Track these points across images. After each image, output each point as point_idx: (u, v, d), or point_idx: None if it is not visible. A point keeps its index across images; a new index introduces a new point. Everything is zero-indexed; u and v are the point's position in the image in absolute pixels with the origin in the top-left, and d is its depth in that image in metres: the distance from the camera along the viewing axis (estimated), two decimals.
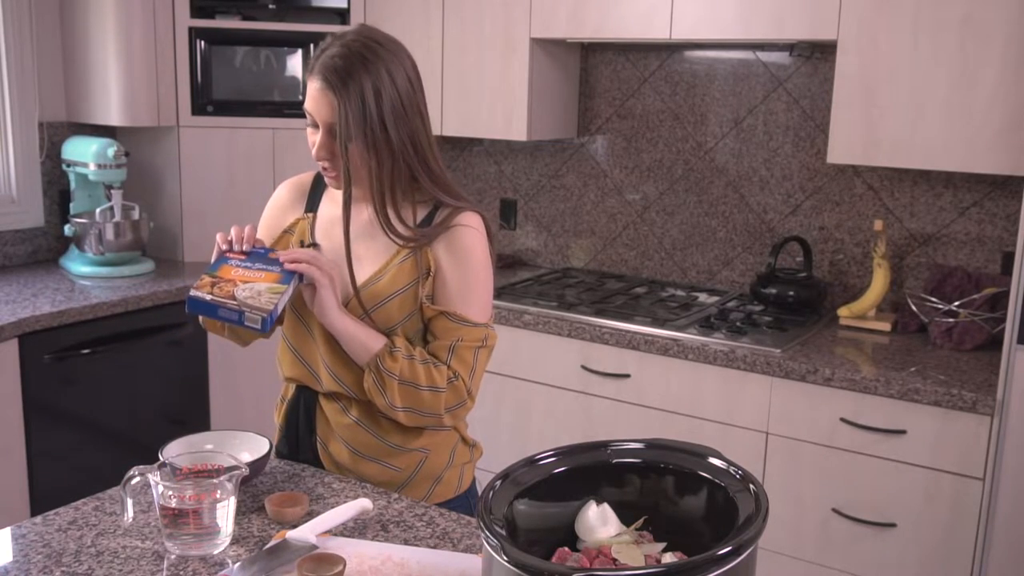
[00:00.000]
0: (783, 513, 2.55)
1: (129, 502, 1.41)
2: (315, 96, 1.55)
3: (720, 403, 2.63)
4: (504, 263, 3.57)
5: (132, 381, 2.97)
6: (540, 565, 0.97)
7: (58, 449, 2.78)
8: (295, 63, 3.43)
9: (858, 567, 2.48)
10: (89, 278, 3.15)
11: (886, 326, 2.80)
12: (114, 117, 3.26)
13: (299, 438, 1.73)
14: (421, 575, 1.34)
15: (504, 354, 2.95)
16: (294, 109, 3.41)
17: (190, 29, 3.30)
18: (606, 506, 1.15)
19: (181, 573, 1.34)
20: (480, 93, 3.22)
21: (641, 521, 1.16)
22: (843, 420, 2.45)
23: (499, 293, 3.03)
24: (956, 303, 2.67)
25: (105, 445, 2.92)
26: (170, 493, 1.37)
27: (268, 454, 1.61)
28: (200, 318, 1.63)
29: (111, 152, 3.14)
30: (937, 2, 2.43)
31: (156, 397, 3.06)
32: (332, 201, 1.71)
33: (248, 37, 3.39)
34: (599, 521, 1.14)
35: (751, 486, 1.09)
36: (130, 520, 1.44)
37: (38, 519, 1.48)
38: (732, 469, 1.13)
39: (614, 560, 1.07)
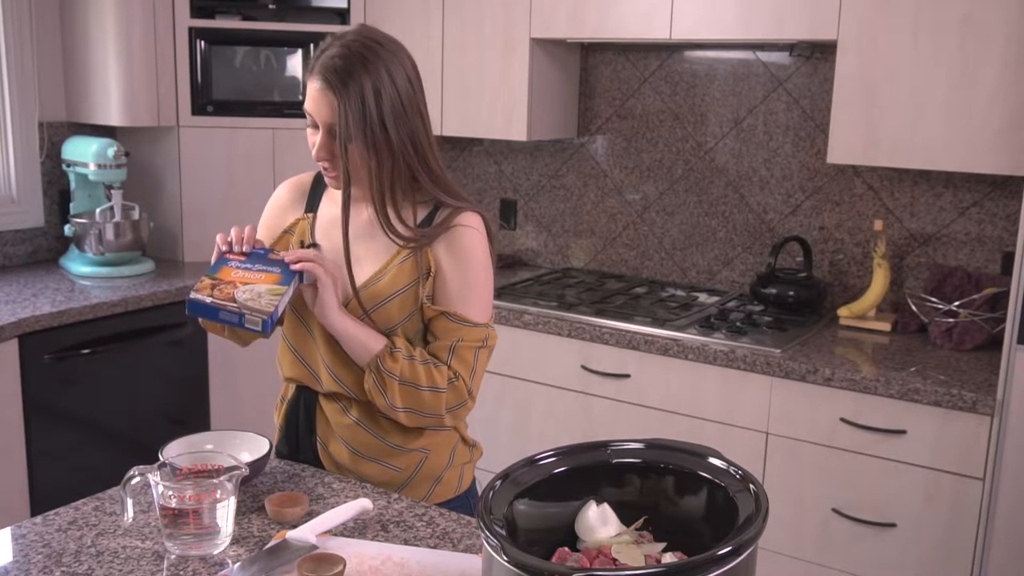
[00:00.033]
0: (783, 513, 2.55)
1: (129, 502, 1.41)
2: (315, 96, 1.55)
3: (720, 403, 2.63)
4: (504, 263, 3.57)
5: (132, 381, 2.97)
6: (540, 565, 0.97)
7: (58, 449, 2.78)
8: (295, 63, 3.44)
9: (858, 567, 2.48)
10: (89, 278, 3.15)
11: (886, 326, 2.80)
12: (114, 117, 3.26)
13: (299, 438, 1.73)
14: (421, 575, 1.34)
15: (504, 354, 2.95)
16: (294, 109, 3.41)
17: (190, 29, 3.30)
18: (606, 506, 1.15)
19: (181, 573, 1.34)
20: (480, 93, 3.22)
21: (641, 521, 1.16)
22: (843, 420, 2.45)
23: (499, 293, 3.03)
24: (956, 303, 2.67)
25: (105, 445, 2.92)
26: (170, 493, 1.37)
27: (268, 454, 1.61)
28: (200, 319, 1.63)
29: (111, 152, 3.14)
30: (937, 2, 2.43)
31: (156, 397, 3.06)
32: (332, 201, 1.71)
33: (248, 37, 3.39)
34: (599, 521, 1.14)
35: (751, 486, 1.09)
36: (130, 520, 1.44)
37: (38, 519, 1.48)
38: (732, 469, 1.13)
39: (614, 560, 1.07)
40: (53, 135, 3.36)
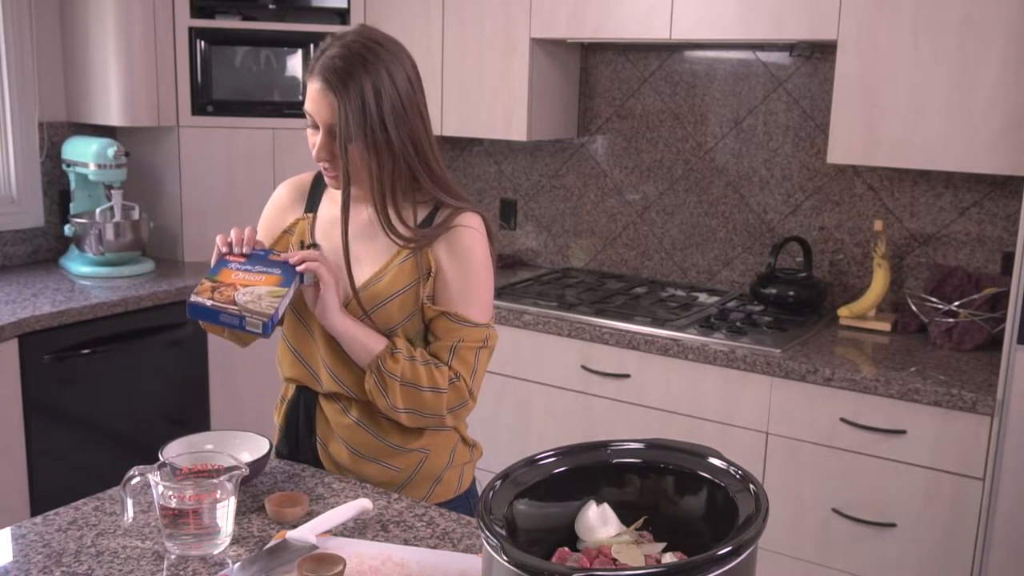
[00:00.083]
0: (783, 513, 2.55)
1: (129, 502, 1.41)
2: (315, 97, 1.55)
3: (720, 403, 2.63)
4: (504, 263, 3.57)
5: (132, 381, 2.97)
6: (540, 565, 0.97)
7: (58, 449, 2.78)
8: (295, 63, 3.44)
9: (858, 567, 2.48)
10: (89, 278, 3.15)
11: (886, 326, 2.80)
12: (114, 117, 3.27)
13: (299, 438, 1.73)
14: (421, 575, 1.34)
15: (504, 354, 2.95)
16: (294, 109, 3.41)
17: (190, 29, 3.30)
18: (606, 506, 1.15)
19: (181, 573, 1.34)
20: (480, 93, 3.22)
21: (641, 521, 1.16)
22: (843, 420, 2.45)
23: (499, 293, 3.03)
24: (956, 303, 2.67)
25: (105, 445, 2.92)
26: (170, 493, 1.37)
27: (268, 454, 1.61)
28: (200, 321, 1.63)
29: (111, 152, 3.14)
30: (937, 2, 2.43)
31: (156, 397, 3.06)
32: (332, 201, 1.71)
33: (248, 37, 3.39)
34: (599, 521, 1.14)
35: (751, 486, 1.09)
36: (130, 520, 1.44)
37: (38, 519, 1.48)
38: (732, 469, 1.13)
39: (614, 560, 1.07)
40: (53, 135, 3.36)
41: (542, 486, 1.14)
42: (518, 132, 3.17)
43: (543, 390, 2.94)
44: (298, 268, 1.55)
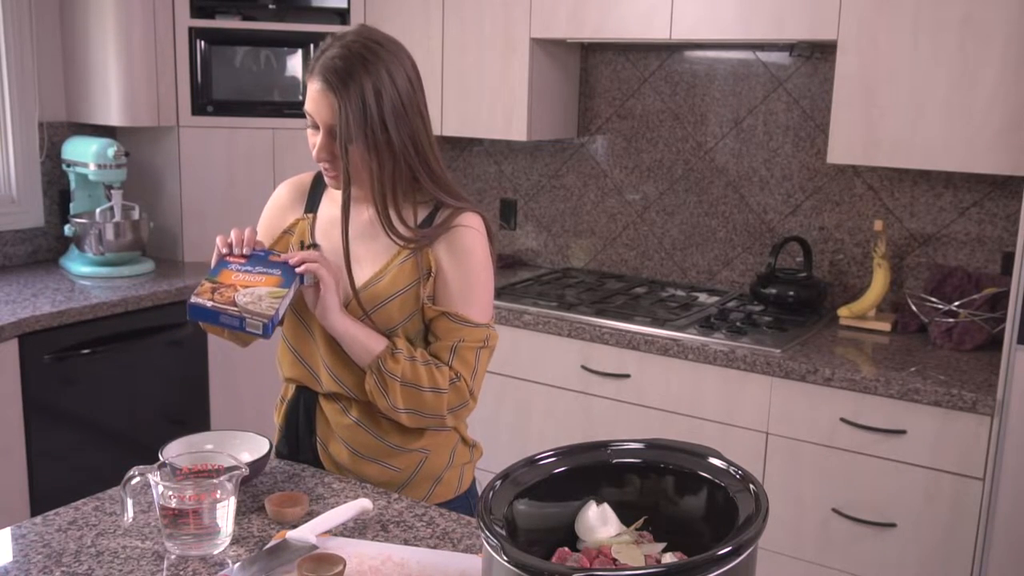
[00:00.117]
0: (783, 513, 2.55)
1: (129, 502, 1.41)
2: (315, 97, 1.55)
3: (720, 403, 2.63)
4: (504, 263, 3.57)
5: (132, 381, 2.97)
6: (540, 565, 0.97)
7: (58, 449, 2.78)
8: (295, 63, 3.44)
9: (858, 567, 2.48)
10: (89, 278, 3.15)
11: (886, 326, 2.80)
12: (114, 117, 3.27)
13: (299, 439, 1.73)
14: (421, 575, 1.34)
15: (504, 354, 2.95)
16: (294, 109, 3.41)
17: (190, 29, 3.30)
18: (606, 506, 1.15)
19: (181, 573, 1.34)
20: (480, 93, 3.22)
21: (641, 521, 1.16)
22: (843, 420, 2.45)
23: (499, 293, 3.03)
24: (956, 303, 2.67)
25: (105, 445, 2.92)
26: (170, 493, 1.37)
27: (268, 454, 1.61)
28: (200, 322, 1.63)
29: (111, 152, 3.14)
30: (937, 2, 2.43)
31: (156, 397, 3.06)
32: (332, 201, 1.71)
33: (248, 37, 3.39)
34: (599, 521, 1.14)
35: (751, 486, 1.09)
36: (130, 520, 1.44)
37: (38, 519, 1.48)
38: (732, 469, 1.13)
39: (614, 560, 1.07)
40: (53, 135, 3.36)
41: (542, 486, 1.14)
42: (518, 132, 3.17)
43: (543, 390, 2.94)
44: (298, 269, 1.55)
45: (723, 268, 3.24)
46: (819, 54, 2.95)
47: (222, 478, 1.37)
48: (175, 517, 1.37)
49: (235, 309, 1.51)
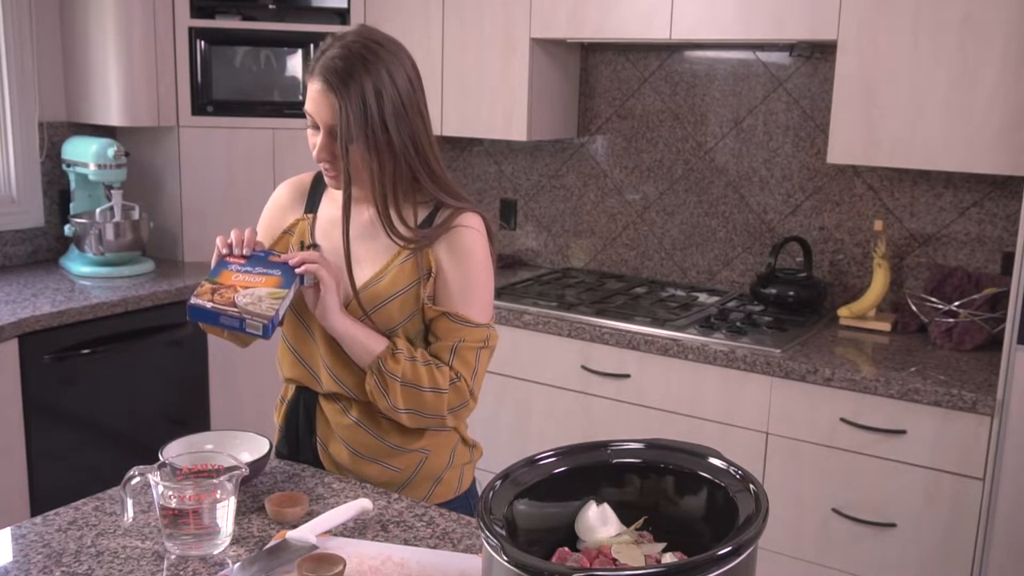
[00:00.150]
0: (783, 513, 2.55)
1: (129, 502, 1.41)
2: (316, 98, 1.55)
3: (720, 403, 2.63)
4: (504, 263, 3.57)
5: (132, 381, 2.97)
6: (540, 565, 0.97)
7: (58, 449, 2.78)
8: (295, 63, 3.44)
9: (858, 567, 2.48)
10: (89, 278, 3.15)
11: (886, 326, 2.80)
12: (114, 117, 3.27)
13: (299, 439, 1.73)
14: (421, 575, 1.34)
15: (504, 354, 2.95)
16: (294, 109, 3.41)
17: (190, 29, 3.30)
18: (606, 506, 1.15)
19: (181, 573, 1.34)
20: (480, 93, 3.22)
21: (641, 521, 1.16)
22: (843, 420, 2.45)
23: (499, 293, 3.03)
24: (956, 303, 2.67)
25: (105, 445, 2.92)
26: (170, 493, 1.37)
27: (268, 454, 1.61)
28: (200, 323, 1.62)
29: (111, 152, 3.14)
30: (937, 2, 2.43)
31: (156, 397, 3.06)
32: (332, 202, 1.71)
33: (248, 37, 3.39)
34: (599, 521, 1.14)
35: (751, 486, 1.09)
36: (130, 520, 1.44)
37: (38, 519, 1.48)
38: (732, 469, 1.13)
39: (614, 560, 1.07)
40: (53, 135, 3.36)
41: (542, 486, 1.14)
42: (518, 132, 3.17)
43: (543, 390, 2.94)
44: (298, 270, 1.55)
45: (723, 268, 3.24)
46: (819, 54, 2.95)
47: (222, 478, 1.37)
48: (175, 517, 1.37)
49: (235, 310, 1.51)
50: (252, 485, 1.60)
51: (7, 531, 1.44)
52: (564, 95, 3.33)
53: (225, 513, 1.39)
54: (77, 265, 3.22)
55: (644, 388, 2.75)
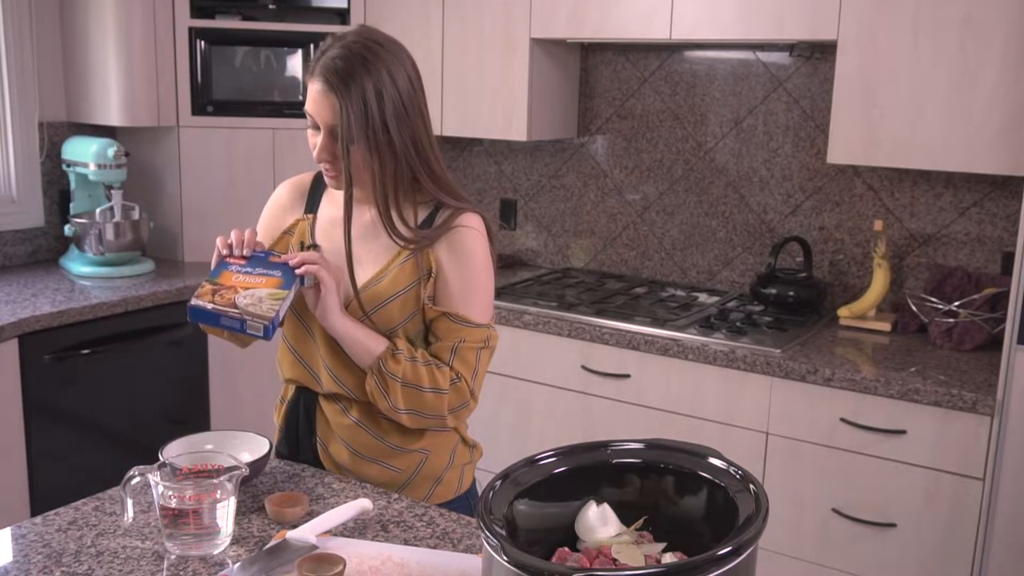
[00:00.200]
0: (783, 513, 2.55)
1: (129, 502, 1.41)
2: (316, 98, 1.55)
3: (720, 403, 2.63)
4: (504, 263, 3.57)
5: (132, 381, 2.97)
6: (540, 565, 0.97)
7: (58, 449, 2.78)
8: (295, 63, 3.44)
9: (858, 567, 2.48)
10: (89, 278, 3.15)
11: (886, 326, 2.80)
12: (114, 117, 3.27)
13: (299, 439, 1.73)
14: (421, 575, 1.34)
15: (504, 354, 2.95)
16: (294, 109, 3.41)
17: (190, 29, 3.30)
18: (606, 506, 1.15)
19: (181, 573, 1.34)
20: (480, 93, 3.22)
21: (641, 521, 1.16)
22: (843, 420, 2.45)
23: (499, 293, 3.03)
24: (956, 303, 2.67)
25: (105, 445, 2.92)
26: (170, 493, 1.37)
27: (268, 454, 1.61)
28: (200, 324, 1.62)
29: (111, 152, 3.15)
30: (937, 2, 2.43)
31: (156, 397, 3.06)
32: (332, 202, 1.71)
33: (248, 37, 3.39)
34: (599, 521, 1.14)
35: (751, 486, 1.09)
36: (130, 520, 1.44)
37: (38, 519, 1.48)
38: (732, 469, 1.13)
39: (614, 560, 1.07)
40: (53, 135, 3.36)
41: (542, 486, 1.14)
42: (518, 132, 3.17)
43: (543, 390, 2.94)
44: (298, 271, 1.55)
45: (723, 268, 3.24)
46: (819, 54, 2.95)
47: (222, 478, 1.37)
48: (175, 517, 1.37)
49: (236, 311, 1.51)
50: (252, 485, 1.60)
51: (7, 531, 1.44)
52: (564, 95, 3.33)
53: (225, 513, 1.39)
54: (77, 265, 3.22)
55: (644, 388, 2.75)
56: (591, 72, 3.39)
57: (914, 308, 2.77)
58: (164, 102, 3.30)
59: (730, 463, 1.14)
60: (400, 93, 1.55)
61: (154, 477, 1.38)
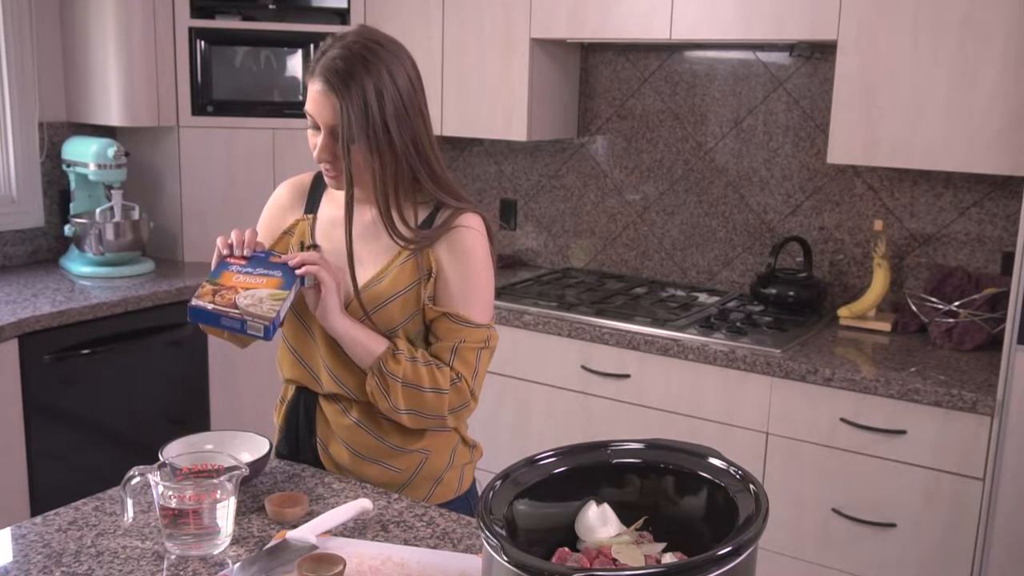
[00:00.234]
0: (783, 513, 2.55)
1: (129, 502, 1.41)
2: (316, 98, 1.54)
3: (720, 403, 2.63)
4: (504, 263, 3.57)
5: (132, 381, 2.97)
6: (540, 565, 0.97)
7: (58, 449, 2.78)
8: (295, 63, 3.44)
9: (858, 567, 2.48)
10: (89, 278, 3.15)
11: (886, 326, 2.80)
12: (114, 117, 3.27)
13: (299, 439, 1.73)
14: (421, 575, 1.34)
15: (504, 354, 2.95)
16: (294, 109, 3.41)
17: (190, 29, 3.30)
18: (606, 506, 1.15)
19: (181, 573, 1.34)
20: (480, 93, 3.22)
21: (641, 521, 1.16)
22: (843, 420, 2.45)
23: (499, 293, 3.03)
24: (956, 303, 2.67)
25: (105, 445, 2.92)
26: (170, 493, 1.37)
27: (268, 454, 1.61)
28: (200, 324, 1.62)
29: (111, 152, 3.15)
30: (937, 2, 2.43)
31: (156, 397, 3.06)
32: (332, 202, 1.71)
33: (248, 37, 3.39)
34: (599, 521, 1.14)
35: (751, 486, 1.09)
36: (130, 520, 1.44)
37: (38, 519, 1.48)
38: (732, 469, 1.13)
39: (614, 560, 1.07)
40: (53, 135, 3.36)
41: (542, 486, 1.14)
42: (518, 132, 3.17)
43: (543, 390, 2.94)
44: (297, 272, 1.55)
45: (723, 268, 3.24)
46: (819, 54, 2.95)
47: (222, 478, 1.37)
48: (175, 517, 1.37)
49: (236, 312, 1.51)
50: (252, 485, 1.60)
51: (7, 531, 1.44)
52: (564, 95, 3.33)
53: (225, 513, 1.39)
54: (77, 265, 3.22)
55: (644, 388, 2.75)
56: (591, 72, 3.39)
57: (914, 308, 2.77)
58: (164, 102, 3.30)
59: (730, 463, 1.14)
60: (400, 93, 1.55)
61: (154, 477, 1.38)
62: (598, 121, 3.41)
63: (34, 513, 2.66)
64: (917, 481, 2.37)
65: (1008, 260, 2.72)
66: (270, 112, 3.41)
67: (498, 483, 1.11)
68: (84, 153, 3.18)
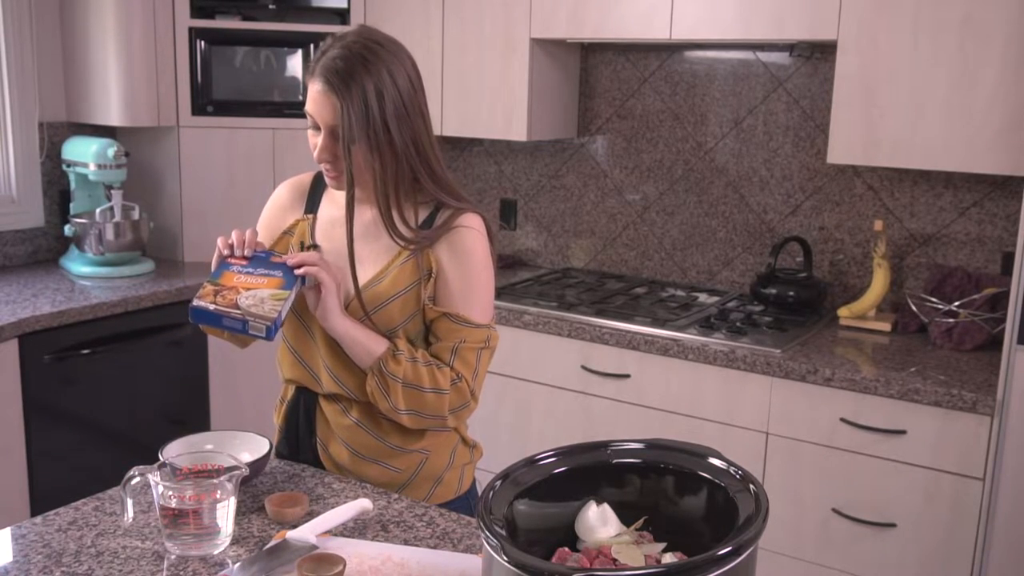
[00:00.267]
0: (783, 513, 2.55)
1: (129, 502, 1.41)
2: (317, 98, 1.54)
3: (720, 403, 2.63)
4: (504, 263, 3.57)
5: (132, 381, 2.97)
6: (540, 565, 0.97)
7: (58, 449, 2.78)
8: (295, 63, 3.44)
9: (858, 567, 2.48)
10: (89, 278, 3.15)
11: (886, 326, 2.80)
12: (114, 117, 3.27)
13: (299, 439, 1.73)
14: (421, 575, 1.34)
15: (504, 354, 2.95)
16: (294, 109, 3.41)
17: (190, 29, 3.30)
18: (606, 506, 1.15)
19: (181, 573, 1.34)
20: (480, 93, 3.22)
21: (641, 521, 1.16)
22: (843, 420, 2.45)
23: (499, 293, 3.03)
24: (956, 303, 2.67)
25: (105, 445, 2.92)
26: (170, 493, 1.37)
27: (268, 454, 1.61)
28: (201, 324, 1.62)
29: (111, 152, 3.15)
30: (937, 2, 2.43)
31: (156, 397, 3.06)
32: (332, 202, 1.71)
33: (248, 37, 3.39)
34: (599, 521, 1.14)
35: (751, 486, 1.09)
36: (130, 520, 1.44)
37: (38, 519, 1.48)
38: (732, 469, 1.13)
39: (614, 560, 1.07)
40: (53, 135, 3.36)
41: (542, 486, 1.14)
42: (518, 132, 3.17)
43: (543, 390, 2.94)
44: (297, 272, 1.55)
45: (723, 268, 3.24)
46: (819, 54, 2.95)
47: (222, 478, 1.37)
48: (175, 517, 1.37)
49: (238, 312, 1.51)
50: (252, 485, 1.60)
51: (7, 531, 1.44)
52: (564, 95, 3.33)
53: (225, 513, 1.39)
54: (77, 265, 3.22)
55: (644, 388, 2.75)
56: (591, 72, 3.39)
57: (914, 308, 2.77)
58: (164, 102, 3.30)
59: (730, 463, 1.14)
60: (400, 93, 1.55)
61: (154, 477, 1.38)
62: (598, 121, 3.41)
63: (34, 513, 2.66)
64: (917, 481, 2.37)
65: (1008, 260, 2.72)
66: (270, 112, 3.41)
67: (498, 483, 1.11)
68: (84, 153, 3.18)
